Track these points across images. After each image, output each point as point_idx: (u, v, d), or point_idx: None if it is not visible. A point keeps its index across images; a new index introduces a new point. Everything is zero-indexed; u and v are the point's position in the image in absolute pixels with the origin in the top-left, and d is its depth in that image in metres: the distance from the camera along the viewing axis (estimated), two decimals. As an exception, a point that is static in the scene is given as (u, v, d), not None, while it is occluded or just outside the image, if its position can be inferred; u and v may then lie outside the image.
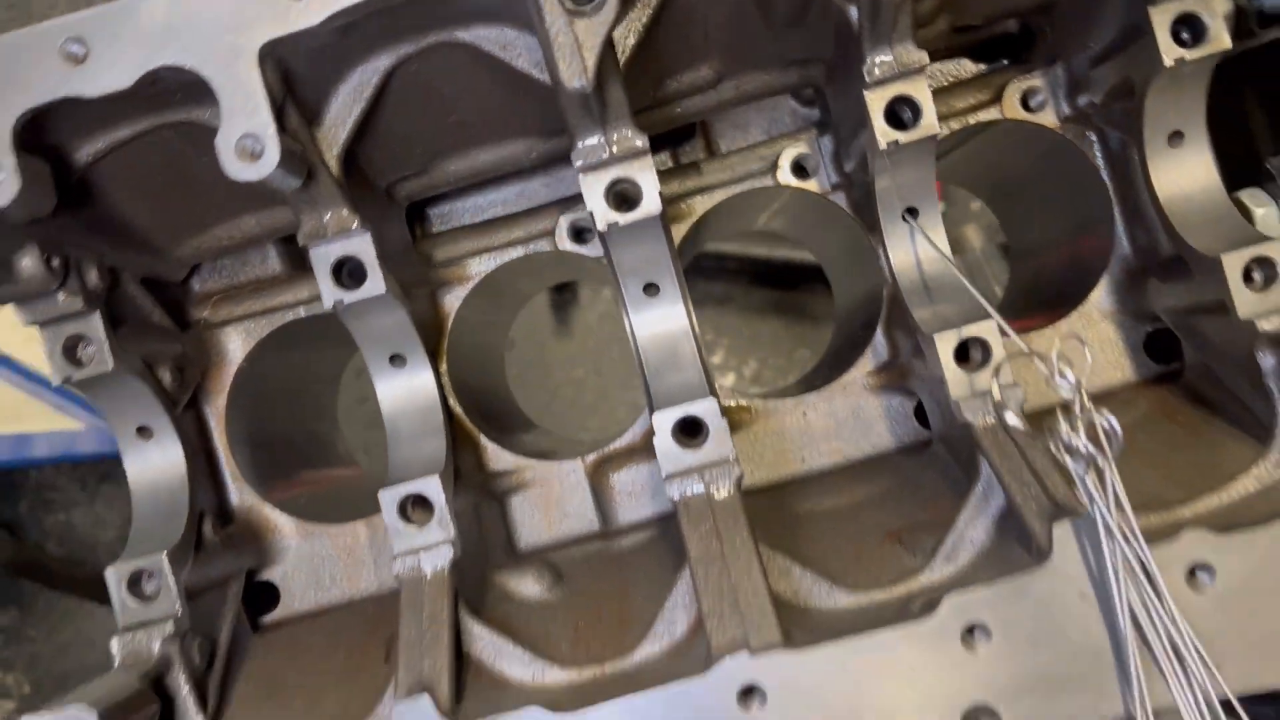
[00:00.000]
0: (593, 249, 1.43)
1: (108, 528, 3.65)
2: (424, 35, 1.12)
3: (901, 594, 1.10)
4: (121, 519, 3.59)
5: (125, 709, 1.02)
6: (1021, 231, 1.69)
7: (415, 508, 1.17)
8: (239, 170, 0.98)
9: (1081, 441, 0.90)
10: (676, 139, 1.53)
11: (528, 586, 1.28)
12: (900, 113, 1.15)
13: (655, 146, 1.49)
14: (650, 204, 1.13)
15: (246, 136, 0.97)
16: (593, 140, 1.12)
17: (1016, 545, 1.05)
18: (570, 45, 0.98)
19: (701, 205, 1.44)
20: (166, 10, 0.98)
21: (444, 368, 1.41)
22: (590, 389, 3.80)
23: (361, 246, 1.15)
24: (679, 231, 1.43)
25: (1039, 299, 1.56)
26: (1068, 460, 0.93)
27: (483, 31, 1.12)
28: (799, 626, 1.02)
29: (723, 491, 1.12)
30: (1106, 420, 0.90)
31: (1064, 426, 0.92)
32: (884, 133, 1.14)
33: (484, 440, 1.41)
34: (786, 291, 3.63)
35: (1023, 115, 1.40)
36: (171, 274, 1.37)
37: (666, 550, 1.29)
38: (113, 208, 1.19)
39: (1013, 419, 1.09)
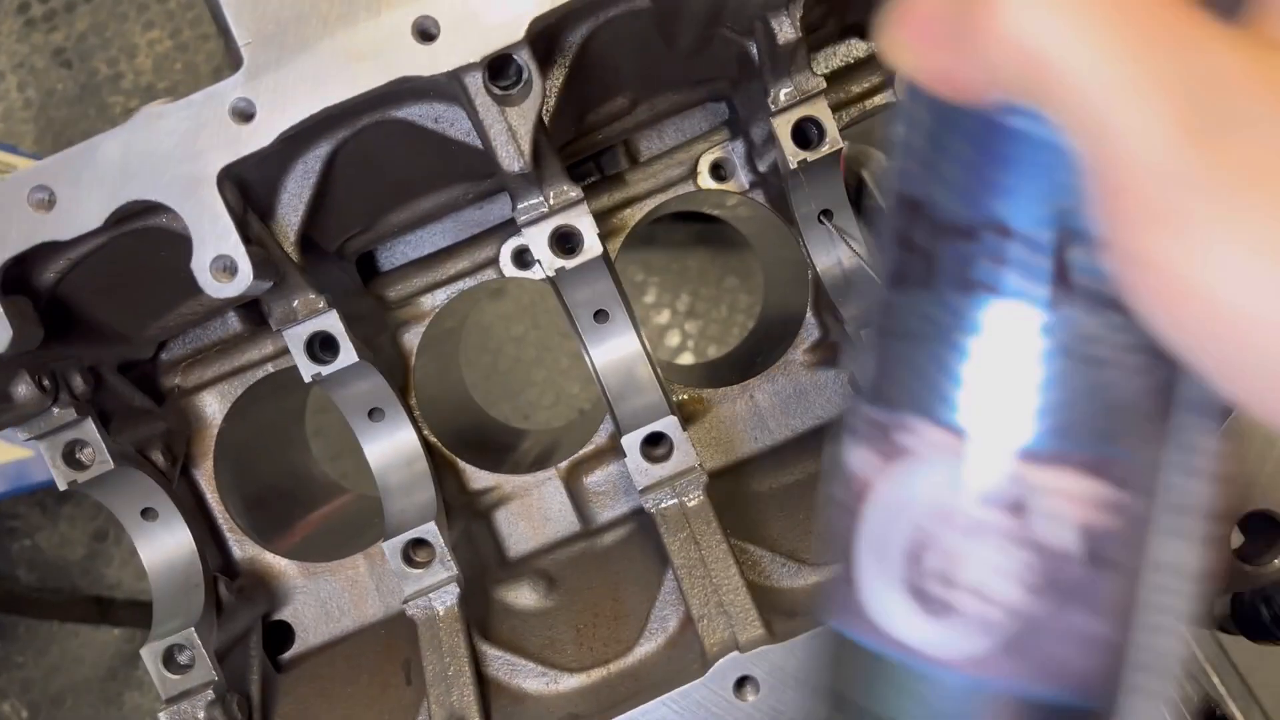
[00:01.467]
0: (535, 271, 1.52)
1: (75, 546, 3.70)
2: (359, 119, 1.19)
3: (861, 565, 1.25)
4: (86, 535, 3.64)
5: (193, 781, 1.13)
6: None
7: (417, 550, 1.28)
8: (218, 290, 1.05)
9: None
10: (598, 151, 1.61)
11: (525, 597, 1.41)
12: (807, 132, 1.26)
13: (580, 162, 1.58)
14: (592, 247, 1.23)
15: (219, 258, 1.05)
16: (532, 200, 1.21)
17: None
18: (505, 134, 1.07)
19: (632, 216, 1.54)
20: (122, 149, 1.04)
21: (413, 401, 1.51)
22: (531, 343, 3.90)
23: (330, 322, 1.24)
24: (614, 245, 1.53)
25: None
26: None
27: (414, 109, 1.19)
28: (777, 612, 1.17)
29: (693, 499, 1.25)
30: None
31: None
32: (793, 153, 1.25)
33: (461, 464, 1.52)
34: (707, 223, 3.74)
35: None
36: (143, 354, 1.44)
37: (646, 544, 1.43)
38: (84, 315, 1.26)
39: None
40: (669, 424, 1.27)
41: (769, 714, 1.09)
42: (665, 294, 3.53)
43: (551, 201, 1.21)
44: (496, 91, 1.07)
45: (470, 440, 1.67)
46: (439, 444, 1.51)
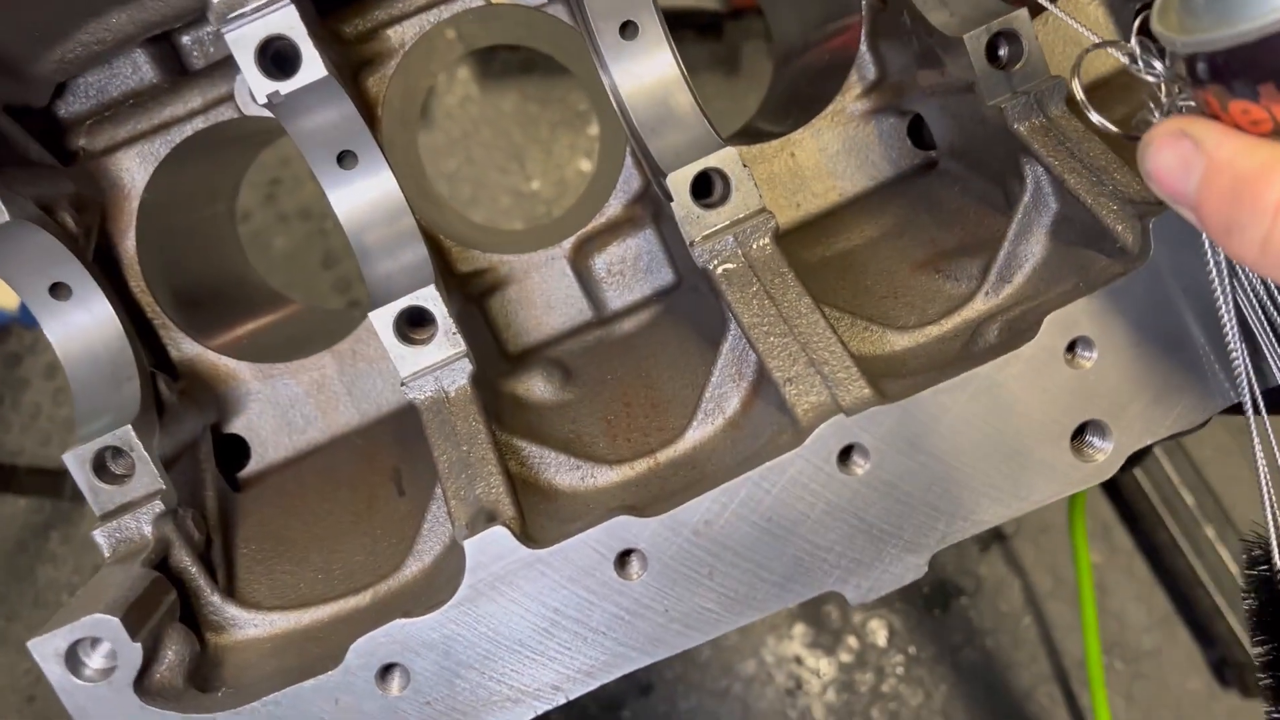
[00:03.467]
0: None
1: None
2: None
3: (959, 324, 1.03)
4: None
5: (145, 606, 0.88)
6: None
7: (412, 326, 1.02)
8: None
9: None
10: None
11: (538, 388, 1.16)
12: None
13: None
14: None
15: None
16: None
17: (1084, 251, 0.97)
18: None
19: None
20: None
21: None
22: (466, 181, 3.57)
23: (289, 20, 0.94)
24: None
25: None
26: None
27: None
28: (876, 372, 0.94)
29: (764, 247, 1.00)
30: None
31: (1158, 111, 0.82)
32: None
33: (445, 241, 1.24)
34: (714, 41, 3.41)
35: None
36: (35, 98, 1.13)
37: (678, 327, 1.19)
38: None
39: (1064, 116, 1.00)
40: (726, 158, 1.01)
41: (881, 488, 0.88)
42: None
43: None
44: None
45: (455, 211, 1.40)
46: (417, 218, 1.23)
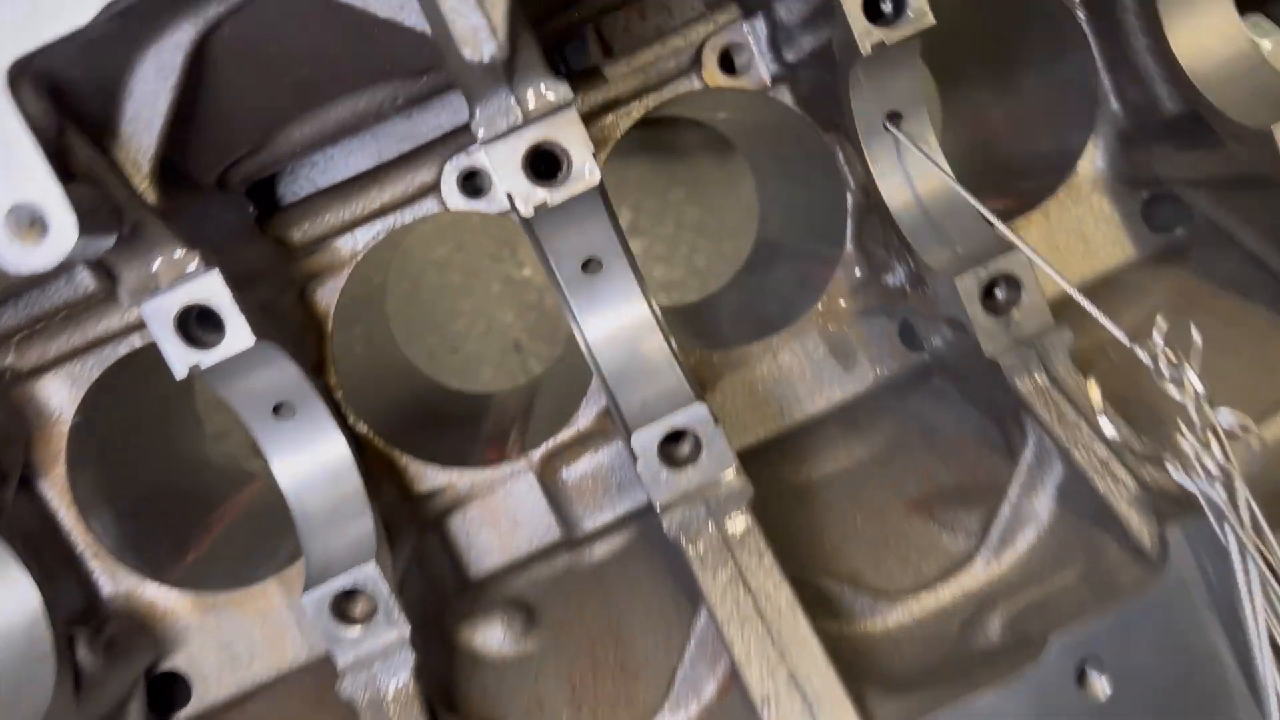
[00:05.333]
0: (491, 202, 1.14)
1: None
2: (234, -14, 0.80)
3: (958, 596, 0.93)
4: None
5: None
6: (963, 93, 1.46)
7: (352, 602, 0.92)
8: (19, 259, 0.66)
9: (1211, 460, 0.71)
10: (558, 41, 1.23)
11: (497, 638, 1.06)
12: (880, 1, 0.90)
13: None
14: (583, 172, 0.86)
15: (18, 209, 0.66)
16: (497, 104, 0.84)
17: (1093, 529, 0.88)
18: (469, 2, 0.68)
19: (617, 125, 1.17)
20: None
21: (334, 380, 1.14)
22: (456, 267, 3.48)
23: (211, 288, 0.85)
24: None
25: (994, 173, 1.36)
26: (1188, 481, 0.74)
27: (318, -30, 0.80)
28: (865, 678, 0.84)
29: (737, 520, 0.91)
30: (1231, 422, 0.71)
31: (1185, 443, 0.73)
32: (865, 32, 0.89)
33: (402, 459, 1.15)
34: (646, 128, 3.33)
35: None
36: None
37: (652, 558, 1.09)
38: None
39: (1070, 375, 0.91)
40: (696, 416, 0.92)
41: (871, 836, 0.78)
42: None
43: (529, 105, 0.84)
44: (451, -66, 0.68)
45: (413, 420, 1.31)
46: (371, 436, 1.14)
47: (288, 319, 1.07)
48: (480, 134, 0.84)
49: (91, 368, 1.12)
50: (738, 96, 1.18)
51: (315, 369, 1.11)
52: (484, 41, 0.69)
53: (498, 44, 0.69)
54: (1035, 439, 0.92)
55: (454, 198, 1.13)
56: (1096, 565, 0.85)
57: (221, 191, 1.02)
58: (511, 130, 0.84)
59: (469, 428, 1.40)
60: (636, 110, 1.16)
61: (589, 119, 1.16)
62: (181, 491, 1.33)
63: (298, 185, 1.19)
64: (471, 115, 0.84)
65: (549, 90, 0.84)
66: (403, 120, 1.18)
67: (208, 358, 0.86)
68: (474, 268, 3.70)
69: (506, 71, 0.81)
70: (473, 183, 1.14)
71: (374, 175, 1.16)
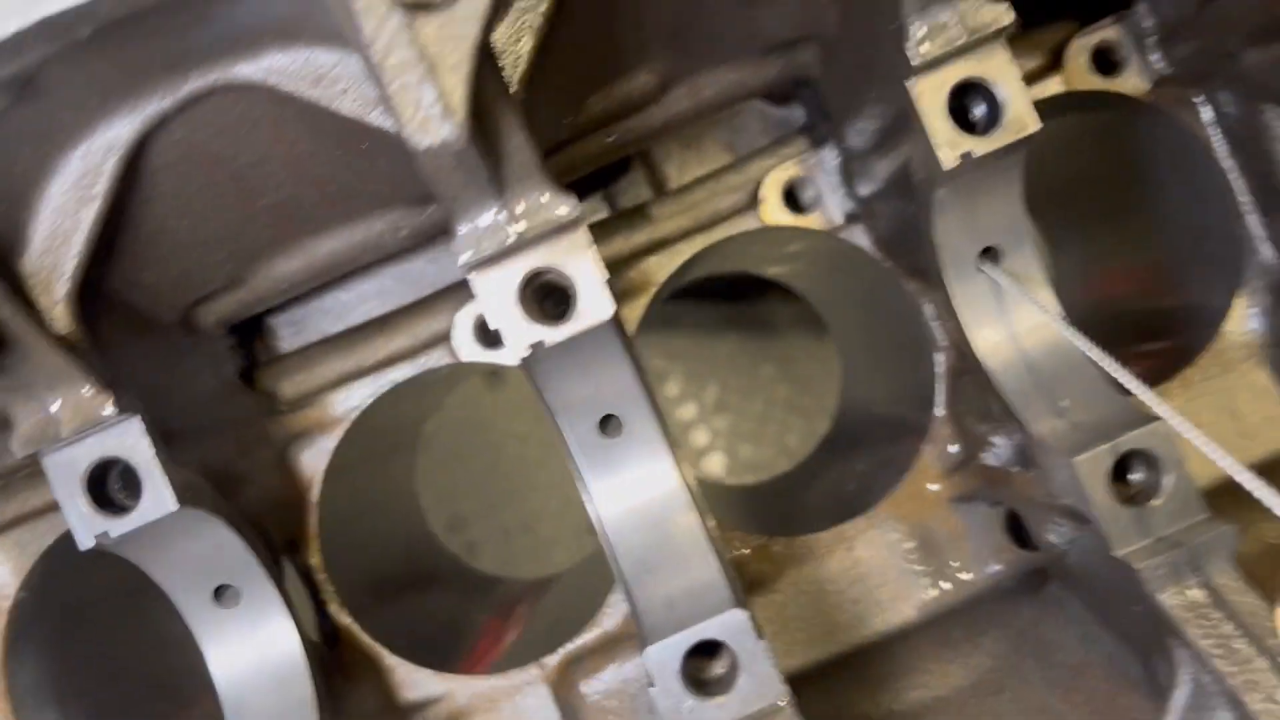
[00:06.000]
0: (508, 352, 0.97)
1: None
2: (181, 78, 0.66)
3: None
4: None
5: None
6: (1077, 246, 1.26)
7: None
8: None
9: None
10: (605, 175, 1.09)
11: None
12: (971, 106, 0.72)
13: (579, 185, 1.05)
14: (593, 305, 0.68)
15: None
16: (484, 216, 0.67)
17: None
18: (415, 70, 0.53)
19: (662, 267, 1.00)
20: None
21: (314, 560, 0.95)
22: (535, 442, 3.33)
23: (125, 439, 0.69)
24: (632, 313, 0.99)
25: (1117, 336, 1.14)
26: None
27: (279, 60, 0.66)
28: None
29: (781, 772, 0.68)
30: None
31: None
32: (950, 141, 0.71)
33: (390, 660, 0.95)
34: (736, 301, 3.20)
35: (1096, 82, 0.98)
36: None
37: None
38: None
39: (1236, 587, 0.67)
40: (734, 624, 0.70)
41: None
42: (690, 384, 2.97)
43: (523, 223, 0.67)
44: (403, -7, 0.53)
45: (419, 608, 1.12)
46: (355, 628, 0.94)
47: (259, 484, 0.90)
48: (462, 257, 0.68)
49: (39, 535, 0.96)
50: (807, 239, 1.01)
51: (288, 545, 0.94)
52: (436, 121, 0.53)
53: (454, 124, 0.53)
54: (1191, 675, 0.68)
55: (467, 346, 0.97)
56: None
57: (188, 332, 0.87)
58: (502, 253, 0.68)
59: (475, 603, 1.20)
60: (685, 251, 1.00)
61: (629, 261, 1.00)
62: (154, 682, 1.14)
63: (306, 326, 1.05)
64: (452, 233, 0.68)
65: (551, 201, 0.68)
66: (420, 262, 1.03)
67: (118, 525, 0.69)
68: (551, 442, 3.48)
69: (494, 182, 0.65)
70: (491, 335, 0.98)
71: (380, 324, 1.01)
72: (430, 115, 0.52)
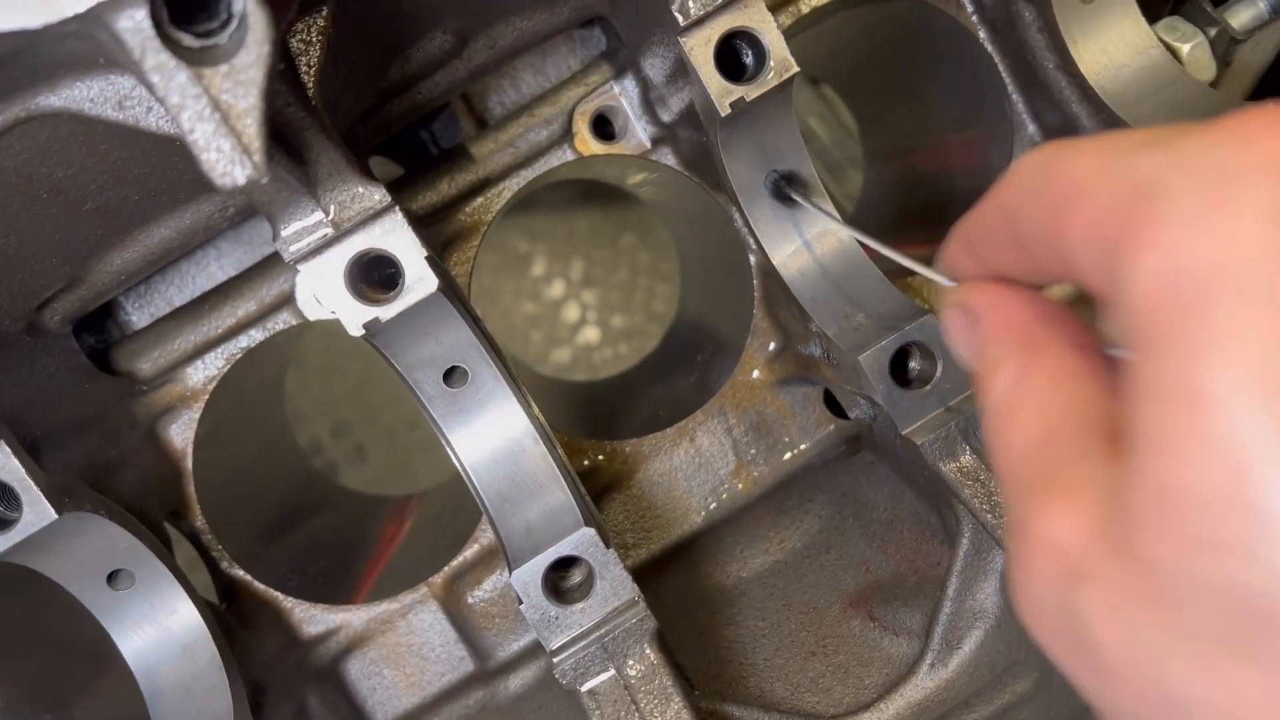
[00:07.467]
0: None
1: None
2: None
3: (903, 711, 0.82)
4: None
5: None
6: (882, 127, 1.35)
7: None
8: None
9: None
10: (425, 118, 1.12)
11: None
12: (739, 54, 0.79)
13: (401, 136, 1.10)
14: (417, 279, 0.75)
15: None
16: (304, 219, 0.72)
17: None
18: (210, 121, 0.57)
19: (489, 206, 1.06)
20: None
21: (200, 523, 1.02)
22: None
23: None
24: (466, 252, 1.05)
25: (918, 217, 1.25)
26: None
27: (80, 90, 0.69)
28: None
29: (639, 662, 0.79)
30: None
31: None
32: (723, 90, 0.78)
33: (286, 602, 1.03)
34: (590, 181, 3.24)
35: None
36: None
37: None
38: None
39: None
40: (585, 540, 0.80)
41: None
42: (555, 263, 3.04)
43: (339, 214, 0.73)
44: (185, 42, 0.57)
45: (305, 545, 1.19)
46: (250, 580, 1.02)
47: (133, 464, 0.95)
48: (287, 256, 0.73)
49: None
50: (623, 163, 1.08)
51: (172, 515, 1.00)
52: (236, 166, 0.57)
53: (254, 164, 0.58)
54: (970, 526, 0.81)
55: (311, 306, 1.02)
56: (1051, 678, 0.74)
57: (35, 335, 0.90)
58: (324, 245, 0.73)
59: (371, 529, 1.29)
60: (510, 189, 1.06)
61: (458, 202, 1.05)
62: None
63: (152, 300, 1.08)
64: (276, 237, 0.73)
65: (364, 195, 0.73)
66: (248, 227, 1.07)
67: (2, 541, 0.75)
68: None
69: (306, 186, 0.70)
70: (335, 287, 1.03)
71: (224, 290, 1.05)
72: (231, 160, 0.57)
